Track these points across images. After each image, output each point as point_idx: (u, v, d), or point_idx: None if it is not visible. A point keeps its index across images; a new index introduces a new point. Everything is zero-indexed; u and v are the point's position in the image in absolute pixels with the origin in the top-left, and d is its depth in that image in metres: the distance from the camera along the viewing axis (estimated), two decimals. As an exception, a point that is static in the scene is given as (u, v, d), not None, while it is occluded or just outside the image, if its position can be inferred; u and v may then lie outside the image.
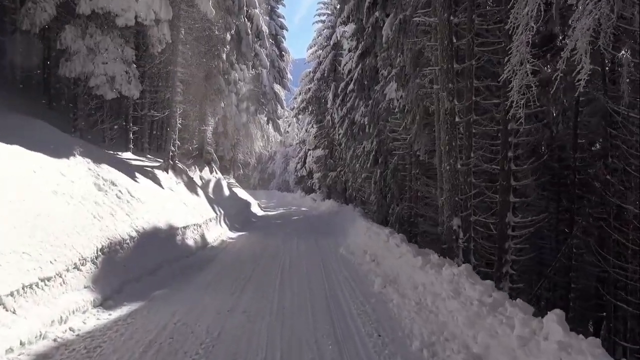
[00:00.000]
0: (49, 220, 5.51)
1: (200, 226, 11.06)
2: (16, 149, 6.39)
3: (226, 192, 19.95)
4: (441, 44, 8.70)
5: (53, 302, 4.67)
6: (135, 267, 6.81)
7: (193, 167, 17.53)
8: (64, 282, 5.01)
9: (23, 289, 4.31)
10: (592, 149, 11.76)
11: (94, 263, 5.83)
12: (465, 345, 4.22)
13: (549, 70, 9.26)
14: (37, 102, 11.80)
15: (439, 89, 8.98)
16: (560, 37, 11.85)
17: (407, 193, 14.38)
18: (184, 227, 9.91)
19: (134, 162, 11.16)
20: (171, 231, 9.16)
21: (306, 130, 32.04)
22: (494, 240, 10.51)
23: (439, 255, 7.43)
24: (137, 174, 9.99)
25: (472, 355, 4.03)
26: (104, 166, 8.53)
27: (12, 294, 4.13)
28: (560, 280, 11.47)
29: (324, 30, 26.34)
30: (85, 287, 5.41)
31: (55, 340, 4.28)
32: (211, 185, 18.23)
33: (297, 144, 37.26)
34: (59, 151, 7.56)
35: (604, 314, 10.31)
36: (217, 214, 13.82)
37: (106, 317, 5.12)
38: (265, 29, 20.08)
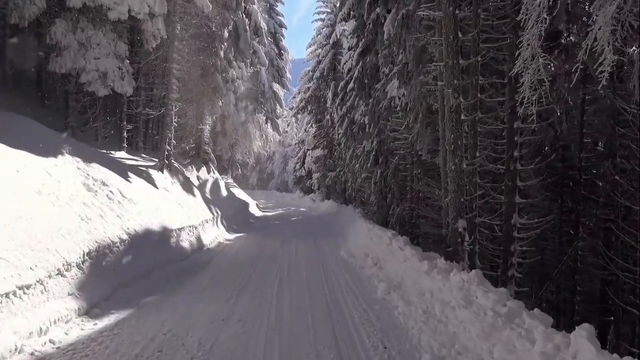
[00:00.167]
0: (31, 222, 5.16)
1: (196, 228, 10.70)
2: (-1, 147, 6.04)
3: (224, 192, 19.59)
4: (446, 39, 8.36)
5: (32, 312, 4.31)
6: (126, 272, 6.46)
7: (190, 167, 17.18)
8: (45, 290, 4.66)
9: (-2, 298, 3.96)
10: (596, 148, 11.49)
11: (80, 268, 5.48)
12: (479, 360, 3.89)
13: (552, 68, 8.99)
14: (29, 99, 11.43)
15: (443, 86, 8.66)
16: (565, 35, 11.54)
17: (408, 194, 14.13)
18: (179, 229, 9.55)
19: (127, 162, 10.80)
20: (165, 233, 8.80)
21: (305, 130, 31.72)
22: (499, 242, 10.23)
23: (445, 260, 7.13)
24: (130, 174, 9.63)
25: (487, 372, 3.70)
26: (95, 165, 8.17)
27: (-15, 304, 3.78)
28: (564, 282, 11.18)
29: (323, 28, 26.04)
30: (69, 295, 5.06)
31: (32, 354, 3.93)
32: (208, 185, 17.87)
33: (296, 143, 36.93)
34: (47, 150, 7.20)
35: (612, 318, 10.04)
36: (214, 214, 13.47)
37: (91, 327, 4.76)
38: (263, 25, 19.73)
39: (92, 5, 8.92)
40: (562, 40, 10.90)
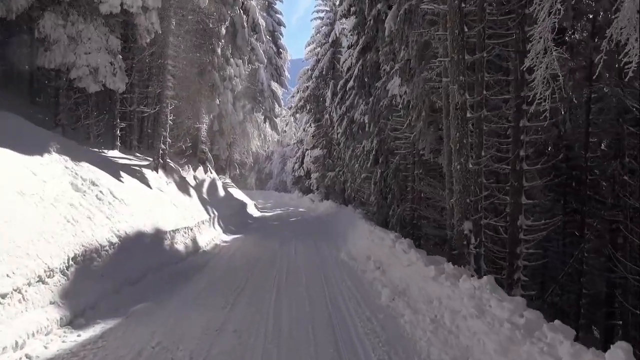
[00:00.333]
0: (11, 225, 4.79)
1: (191, 229, 10.34)
2: (-21, 144, 5.67)
3: (221, 192, 19.23)
4: (451, 33, 8.02)
5: (7, 324, 3.95)
6: (115, 277, 6.09)
7: (186, 167, 16.81)
8: (23, 299, 4.29)
9: (-32, 309, 3.60)
10: (601, 147, 11.24)
11: (63, 274, 5.11)
12: (496, 377, 3.55)
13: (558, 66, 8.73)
14: (19, 97, 11.05)
15: (448, 82, 8.33)
16: (570, 32, 11.24)
17: (409, 194, 13.86)
18: (174, 231, 9.19)
19: (120, 161, 10.43)
20: (159, 235, 8.44)
21: (304, 130, 31.41)
22: (503, 244, 9.97)
23: (450, 263, 6.81)
24: (122, 173, 9.26)
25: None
26: (84, 164, 7.80)
27: (-48, 317, 3.42)
28: (569, 285, 10.91)
29: (322, 27, 25.73)
30: (51, 304, 4.69)
31: (5, 371, 3.57)
32: (205, 185, 17.52)
33: (294, 143, 36.59)
34: (32, 148, 6.83)
35: (620, 322, 9.75)
36: (210, 215, 13.11)
37: (74, 339, 4.40)
38: (261, 22, 19.37)
39: (82, -3, 8.57)
40: (567, 38, 10.61)
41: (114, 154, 10.85)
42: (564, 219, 11.08)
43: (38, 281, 4.62)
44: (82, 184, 7.12)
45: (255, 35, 18.18)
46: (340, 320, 5.25)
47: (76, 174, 7.21)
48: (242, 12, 16.47)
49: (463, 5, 7.85)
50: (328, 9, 25.91)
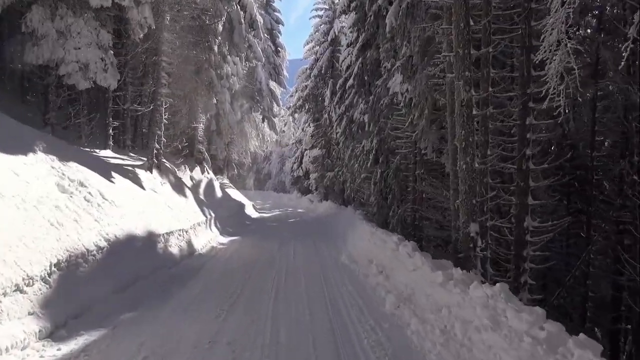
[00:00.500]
0: (-14, 230, 4.44)
1: (186, 232, 9.97)
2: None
3: (218, 193, 18.87)
4: (457, 27, 7.69)
5: (-23, 339, 3.59)
6: (103, 284, 5.73)
7: (183, 167, 16.46)
8: (-3, 310, 3.94)
9: None
10: (604, 146, 10.98)
11: (45, 282, 4.75)
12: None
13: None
14: (9, 95, 10.67)
15: (453, 78, 8.00)
16: (575, 28, 10.90)
17: (410, 194, 13.59)
18: (167, 233, 8.83)
19: (112, 161, 10.06)
20: (151, 238, 8.08)
21: (302, 130, 31.10)
22: (507, 246, 9.69)
23: (455, 267, 6.50)
24: (114, 174, 8.90)
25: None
26: (73, 164, 7.43)
27: None
28: (576, 288, 10.60)
29: (321, 25, 25.41)
30: (30, 314, 4.33)
31: (-28, 393, 3.22)
32: (202, 186, 17.16)
33: (293, 143, 36.26)
34: (16, 147, 6.46)
35: (629, 326, 9.45)
36: (207, 217, 12.75)
37: (52, 353, 4.04)
38: (259, 19, 19.00)
39: (71, -10, 8.20)
40: (571, 34, 10.29)
41: (106, 153, 10.48)
42: (569, 220, 10.82)
43: (15, 290, 4.26)
44: (70, 185, 6.75)
45: (252, 32, 17.81)
46: (342, 330, 4.90)
47: (63, 174, 6.85)
48: (239, 8, 16.11)
49: (468, -3, 7.54)
50: (327, 7, 25.60)
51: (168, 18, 10.88)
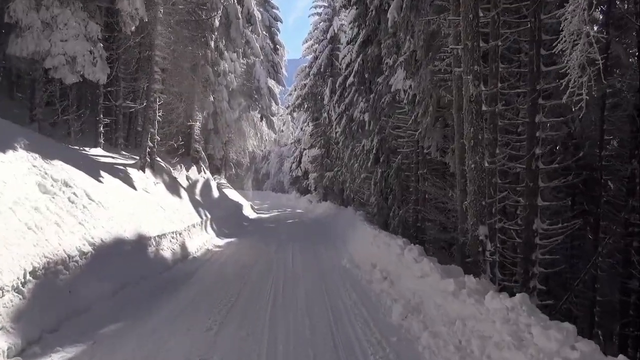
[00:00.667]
0: (-50, 235, 3.98)
1: (180, 234, 9.51)
2: None
3: (215, 193, 18.42)
4: (465, 19, 7.26)
5: None
6: (86, 293, 5.28)
7: (178, 166, 16.01)
8: (-42, 327, 3.48)
9: None
10: (608, 146, 10.65)
11: (18, 292, 4.29)
12: None
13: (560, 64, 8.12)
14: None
15: (460, 72, 7.58)
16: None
17: (412, 195, 13.26)
18: (159, 236, 8.37)
19: (102, 160, 9.59)
20: (142, 242, 7.62)
21: (301, 129, 30.71)
22: (514, 248, 9.32)
23: (466, 273, 6.08)
24: (103, 173, 8.43)
25: None
26: (57, 163, 6.97)
27: None
28: (584, 292, 10.24)
29: (320, 23, 25.01)
30: (-3, 330, 3.88)
31: None
32: (199, 186, 16.72)
33: (292, 143, 35.87)
34: (-6, 144, 6.01)
35: (636, 332, 9.08)
36: (202, 218, 12.30)
37: (21, 375, 3.60)
38: (257, 14, 18.56)
39: (58, -22, 7.74)
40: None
41: (96, 152, 10.02)
42: (580, 222, 10.47)
43: (-19, 303, 3.81)
44: (53, 185, 6.29)
45: (250, 27, 17.36)
46: (346, 345, 4.45)
47: (46, 173, 6.39)
48: (235, 2, 15.65)
49: (477, -13, 7.13)
50: (326, 4, 25.19)
51: (162, 11, 10.42)
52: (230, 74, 17.22)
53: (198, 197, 14.80)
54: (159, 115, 11.70)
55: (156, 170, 11.79)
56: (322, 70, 24.08)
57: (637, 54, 9.66)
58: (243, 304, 5.90)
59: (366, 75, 15.66)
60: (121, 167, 9.88)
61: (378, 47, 13.96)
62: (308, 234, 14.71)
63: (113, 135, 11.89)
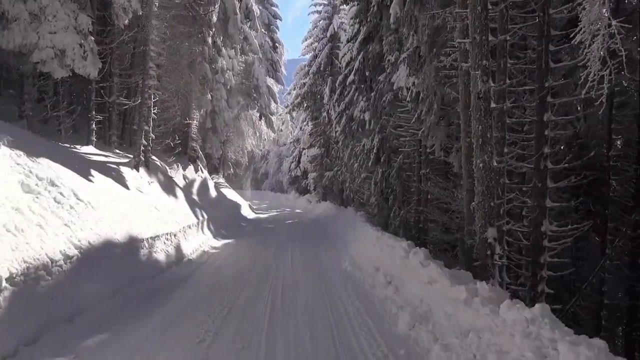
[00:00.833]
0: None
1: (175, 235, 9.15)
2: None
3: (213, 193, 18.06)
4: (473, 11, 6.89)
5: None
6: (70, 300, 4.91)
7: (175, 166, 15.65)
8: None
9: None
10: (615, 145, 10.38)
11: (-8, 301, 3.94)
12: None
13: (570, 60, 7.82)
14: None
15: (468, 68, 7.22)
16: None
17: (414, 195, 12.97)
18: (153, 238, 8.00)
19: (93, 158, 9.22)
20: (133, 244, 7.25)
21: (301, 128, 30.40)
22: (519, 250, 9.01)
23: (474, 277, 5.76)
24: (93, 172, 8.07)
25: None
26: (43, 161, 6.60)
27: None
28: (591, 295, 9.96)
29: (320, 21, 24.68)
30: (-34, 344, 3.52)
31: None
32: (195, 185, 16.35)
33: (291, 142, 35.55)
34: (-25, 140, 5.64)
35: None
36: (199, 219, 11.93)
37: (-11, 396, 3.24)
38: (256, 9, 18.20)
39: (46, -32, 7.37)
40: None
41: (87, 150, 9.65)
42: (590, 224, 10.20)
43: (-53, 315, 3.45)
44: (37, 184, 5.93)
45: (248, 23, 16.99)
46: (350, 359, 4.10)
47: (30, 171, 6.02)
48: (234, -4, 15.31)
49: (485, -22, 6.79)
50: (326, 2, 24.85)
51: (157, 4, 10.06)
52: (228, 71, 16.86)
53: (195, 197, 14.44)
54: (154, 113, 11.33)
55: (151, 169, 11.43)
56: (321, 68, 23.78)
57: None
58: (239, 312, 5.54)
59: (367, 73, 15.36)
60: (114, 166, 9.51)
61: (379, 44, 13.64)
62: (307, 234, 14.39)
63: (106, 133, 11.52)
